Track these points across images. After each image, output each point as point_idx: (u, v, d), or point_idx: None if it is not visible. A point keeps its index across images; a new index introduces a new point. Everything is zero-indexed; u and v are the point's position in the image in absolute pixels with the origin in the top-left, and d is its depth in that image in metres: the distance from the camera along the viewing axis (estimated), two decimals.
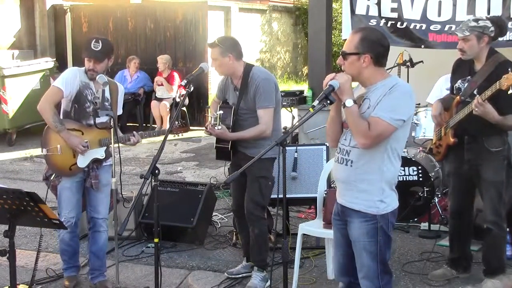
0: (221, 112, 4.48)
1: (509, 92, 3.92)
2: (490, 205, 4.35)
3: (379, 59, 3.23)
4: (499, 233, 4.38)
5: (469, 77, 4.34)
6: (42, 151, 4.59)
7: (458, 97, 4.37)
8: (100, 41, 4.45)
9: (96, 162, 4.56)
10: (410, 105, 3.24)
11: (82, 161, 4.51)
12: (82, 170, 4.54)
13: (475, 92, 4.21)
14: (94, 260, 4.68)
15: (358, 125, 3.16)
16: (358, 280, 3.36)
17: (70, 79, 4.47)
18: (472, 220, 4.72)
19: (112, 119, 4.44)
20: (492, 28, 4.21)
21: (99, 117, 4.49)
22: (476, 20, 4.24)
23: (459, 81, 4.41)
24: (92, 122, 4.49)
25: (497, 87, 3.97)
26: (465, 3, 6.45)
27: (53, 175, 4.58)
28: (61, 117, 4.53)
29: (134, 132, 4.63)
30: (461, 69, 4.42)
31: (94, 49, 4.42)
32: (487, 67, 4.24)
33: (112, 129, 4.44)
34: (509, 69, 3.95)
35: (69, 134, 4.46)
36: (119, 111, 4.71)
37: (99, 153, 4.54)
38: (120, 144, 4.49)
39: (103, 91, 4.56)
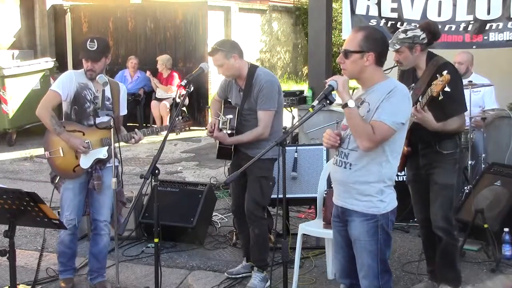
0: (231, 116, 4.50)
1: (439, 98, 3.91)
2: (441, 212, 4.25)
3: (381, 58, 3.26)
4: (450, 241, 4.28)
5: (413, 84, 4.31)
6: (45, 154, 4.59)
7: None
8: (95, 41, 4.43)
9: (99, 162, 4.55)
10: (408, 108, 3.30)
11: (85, 162, 4.50)
12: (86, 171, 4.53)
13: (420, 99, 4.17)
14: (94, 262, 4.67)
15: (361, 127, 3.16)
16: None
17: (66, 82, 4.48)
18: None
19: (112, 119, 4.43)
20: (423, 35, 4.17)
21: (99, 117, 4.49)
22: (405, 31, 4.19)
23: None
24: (93, 122, 4.49)
25: (429, 94, 3.95)
26: (465, 3, 6.46)
27: (58, 177, 4.59)
28: (63, 119, 4.54)
29: (136, 130, 4.62)
30: (406, 77, 4.38)
31: (90, 49, 4.40)
32: (427, 72, 4.23)
33: (112, 129, 4.44)
34: (437, 75, 3.94)
35: (69, 136, 4.45)
36: (123, 111, 4.70)
37: (102, 152, 4.53)
38: (122, 144, 4.50)
39: (103, 91, 4.55)
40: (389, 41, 4.18)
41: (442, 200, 4.24)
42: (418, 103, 4.08)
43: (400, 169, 4.51)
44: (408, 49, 4.17)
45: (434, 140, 4.22)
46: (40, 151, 8.52)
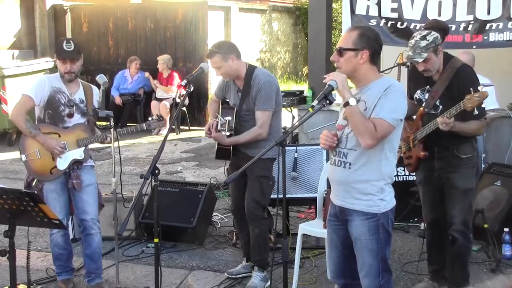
0: (229, 118, 4.50)
1: (474, 113, 3.92)
2: (461, 216, 4.25)
3: (375, 56, 3.27)
4: (465, 244, 4.29)
5: (427, 87, 4.26)
6: (21, 158, 4.56)
7: (421, 108, 4.28)
8: (71, 41, 4.46)
9: (77, 162, 4.54)
10: (405, 105, 3.31)
11: (62, 163, 4.49)
12: (63, 173, 4.52)
13: (437, 103, 4.16)
14: (89, 263, 4.63)
15: (364, 125, 3.16)
16: (355, 281, 3.36)
17: (39, 87, 4.49)
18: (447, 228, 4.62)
19: (112, 119, 4.44)
20: (439, 36, 4.14)
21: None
22: (424, 38, 4.10)
23: (418, 91, 4.32)
24: (68, 124, 4.50)
25: (461, 107, 3.92)
26: (465, 3, 6.46)
27: (35, 180, 4.56)
28: (36, 123, 4.54)
29: (111, 129, 4.58)
30: (417, 78, 4.31)
31: (68, 49, 4.41)
32: (445, 74, 4.17)
33: (112, 129, 4.45)
34: (470, 89, 3.90)
35: (45, 137, 4.45)
36: (100, 112, 4.65)
37: (78, 153, 4.52)
38: (122, 143, 4.49)
39: (103, 91, 4.57)
40: (409, 53, 4.14)
41: (463, 204, 4.25)
42: (447, 113, 4.00)
43: (412, 170, 4.52)
44: (434, 54, 4.10)
45: (453, 144, 4.20)
46: None
